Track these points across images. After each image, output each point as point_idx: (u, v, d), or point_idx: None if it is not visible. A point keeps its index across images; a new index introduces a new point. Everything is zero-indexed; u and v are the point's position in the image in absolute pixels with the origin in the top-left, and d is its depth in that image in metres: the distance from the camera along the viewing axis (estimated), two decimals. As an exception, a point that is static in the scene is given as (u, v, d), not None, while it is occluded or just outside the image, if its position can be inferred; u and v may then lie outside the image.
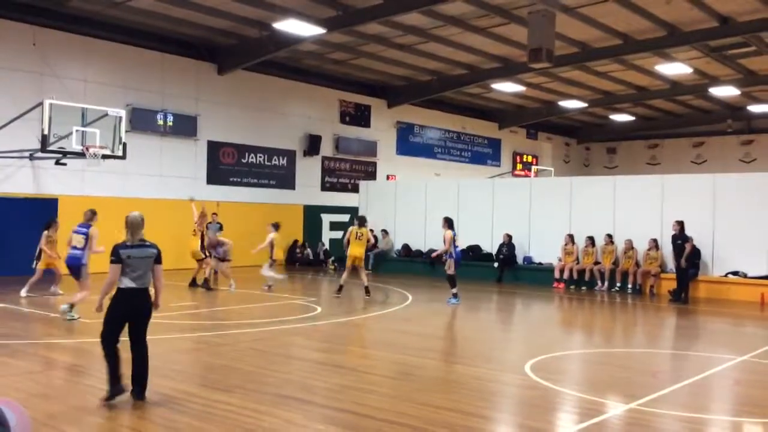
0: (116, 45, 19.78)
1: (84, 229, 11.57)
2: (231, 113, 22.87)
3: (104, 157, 16.13)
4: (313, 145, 25.43)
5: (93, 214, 11.88)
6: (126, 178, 19.63)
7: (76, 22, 18.74)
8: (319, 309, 13.33)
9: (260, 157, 23.96)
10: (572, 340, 11.55)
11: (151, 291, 6.66)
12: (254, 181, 23.79)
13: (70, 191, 18.53)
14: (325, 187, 26.38)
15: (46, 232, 13.85)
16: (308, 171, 25.61)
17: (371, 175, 27.79)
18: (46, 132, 15.21)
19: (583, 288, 18.02)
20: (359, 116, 27.44)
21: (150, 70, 20.65)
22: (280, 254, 16.11)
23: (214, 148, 22.53)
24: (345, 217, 26.24)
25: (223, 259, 16.54)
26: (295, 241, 24.64)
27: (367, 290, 14.89)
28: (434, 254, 15.47)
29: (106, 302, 6.52)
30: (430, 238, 21.53)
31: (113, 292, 6.52)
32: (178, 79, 21.39)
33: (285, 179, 24.80)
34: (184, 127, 21.52)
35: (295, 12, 18.20)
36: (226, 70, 22.29)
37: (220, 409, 6.28)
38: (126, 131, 16.94)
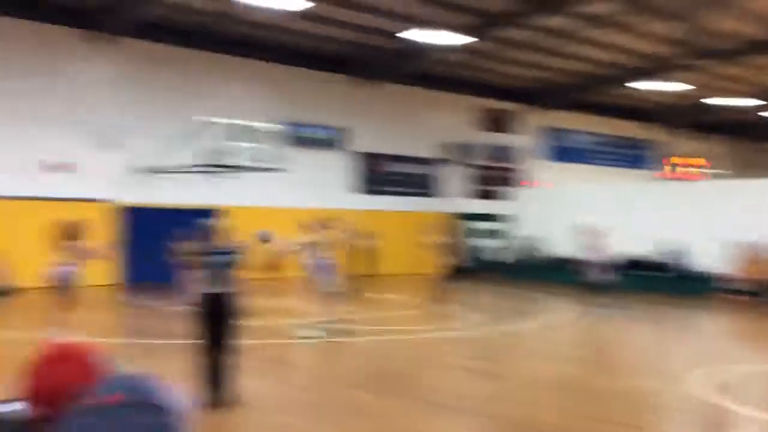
0: (276, 65, 20.96)
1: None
2: (377, 124, 23.48)
3: (264, 170, 17.15)
4: (458, 153, 25.53)
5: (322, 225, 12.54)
6: (283, 189, 20.64)
7: (239, 45, 20.00)
8: (472, 317, 13.34)
9: (405, 166, 24.40)
10: (746, 353, 10.75)
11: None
12: (400, 190, 24.25)
13: (236, 202, 19.79)
14: (470, 195, 26.35)
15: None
16: (452, 179, 25.70)
17: (516, 183, 27.39)
18: (213, 148, 16.39)
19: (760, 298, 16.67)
20: (504, 123, 27.18)
21: (306, 87, 21.67)
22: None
23: (363, 158, 23.25)
24: (492, 225, 26.08)
25: None
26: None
27: None
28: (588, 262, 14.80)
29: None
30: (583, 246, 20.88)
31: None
32: (332, 94, 22.29)
33: (429, 187, 25.07)
34: (336, 139, 22.44)
35: (434, 22, 18.32)
36: (374, 83, 22.93)
37: (372, 410, 6.46)
38: (283, 145, 17.90)
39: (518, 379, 8.13)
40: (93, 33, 17.82)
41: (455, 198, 25.64)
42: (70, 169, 17.52)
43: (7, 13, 16.80)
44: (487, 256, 25.26)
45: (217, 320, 6.81)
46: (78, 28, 17.70)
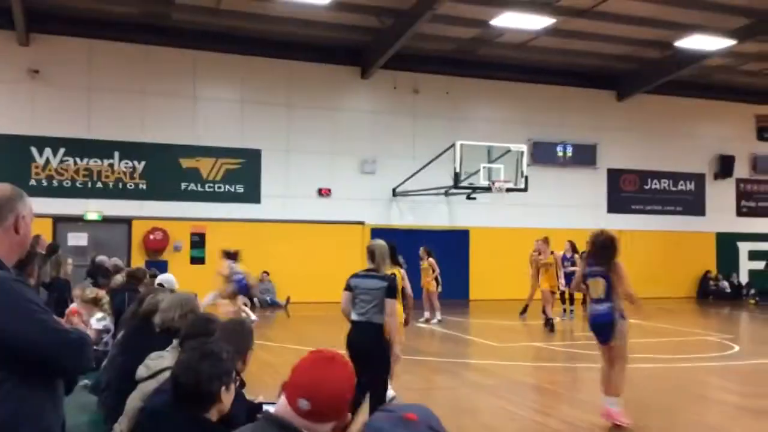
0: (518, 84, 20.94)
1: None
2: (631, 139, 22.23)
3: (508, 190, 17.10)
4: (725, 166, 23.22)
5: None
6: (528, 209, 20.42)
7: (483, 67, 20.38)
8: (737, 348, 11.99)
9: (664, 182, 22.75)
10: None
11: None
12: (658, 208, 22.65)
13: (480, 223, 20.06)
14: (741, 212, 23.78)
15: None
16: (720, 195, 23.41)
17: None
18: (458, 170, 16.79)
19: None
20: (782, 131, 24.18)
21: (550, 104, 21.32)
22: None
23: (614, 175, 22.15)
24: (763, 245, 23.32)
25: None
26: (707, 273, 22.65)
27: None
28: None
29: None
30: None
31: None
32: (577, 110, 21.65)
33: (693, 205, 23.07)
34: (583, 156, 21.64)
35: (699, 27, 17.04)
36: (625, 96, 21.83)
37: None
38: (527, 165, 17.73)
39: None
40: (354, 68, 19.43)
41: (721, 216, 23.35)
42: (329, 195, 19.12)
43: (299, 58, 18.87)
44: (757, 279, 22.65)
45: (361, 353, 5.62)
46: (347, 65, 19.38)
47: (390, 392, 6.92)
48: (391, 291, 5.84)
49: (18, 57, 16.67)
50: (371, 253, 6.05)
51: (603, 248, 6.79)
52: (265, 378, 7.93)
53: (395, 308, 5.86)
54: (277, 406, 1.93)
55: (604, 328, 6.78)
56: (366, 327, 5.78)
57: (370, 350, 5.71)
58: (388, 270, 7.25)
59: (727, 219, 23.41)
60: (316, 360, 1.92)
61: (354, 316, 5.90)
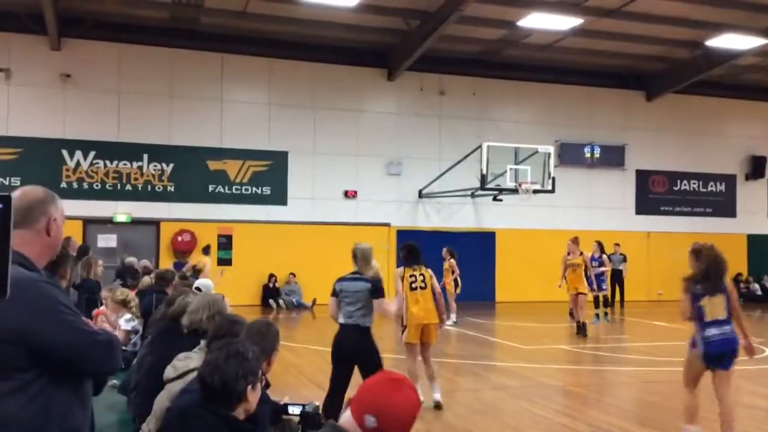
0: (545, 85, 20.79)
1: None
2: (661, 139, 21.96)
3: (535, 192, 17.00)
4: (756, 167, 22.82)
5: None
6: (555, 211, 20.27)
7: (510, 68, 20.28)
8: (769, 351, 11.77)
9: (694, 183, 22.42)
10: None
11: None
12: (688, 210, 22.33)
13: (506, 225, 19.95)
14: (770, 214, 23.38)
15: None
16: (752, 196, 23.01)
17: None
18: (484, 172, 16.73)
19: None
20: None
21: (577, 104, 21.15)
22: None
23: (643, 176, 21.89)
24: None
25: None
26: (737, 275, 22.26)
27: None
28: None
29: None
30: None
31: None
32: (605, 111, 21.45)
33: (723, 206, 22.70)
34: (611, 157, 21.41)
35: (730, 26, 16.77)
36: (655, 96, 21.57)
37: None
38: (554, 166, 17.59)
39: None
40: (380, 70, 19.45)
41: (752, 218, 22.95)
42: (355, 197, 19.15)
43: (326, 60, 18.91)
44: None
45: (346, 358, 5.83)
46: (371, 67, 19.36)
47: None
48: (377, 292, 5.90)
49: (50, 61, 16.98)
50: (354, 256, 6.11)
51: (714, 268, 5.90)
52: (290, 379, 7.98)
53: (385, 305, 5.97)
54: (342, 419, 2.02)
55: (732, 356, 5.93)
56: (352, 330, 5.84)
57: (357, 353, 5.79)
58: (417, 271, 7.32)
59: (759, 220, 23.01)
60: (386, 380, 2.02)
61: (341, 319, 5.94)
